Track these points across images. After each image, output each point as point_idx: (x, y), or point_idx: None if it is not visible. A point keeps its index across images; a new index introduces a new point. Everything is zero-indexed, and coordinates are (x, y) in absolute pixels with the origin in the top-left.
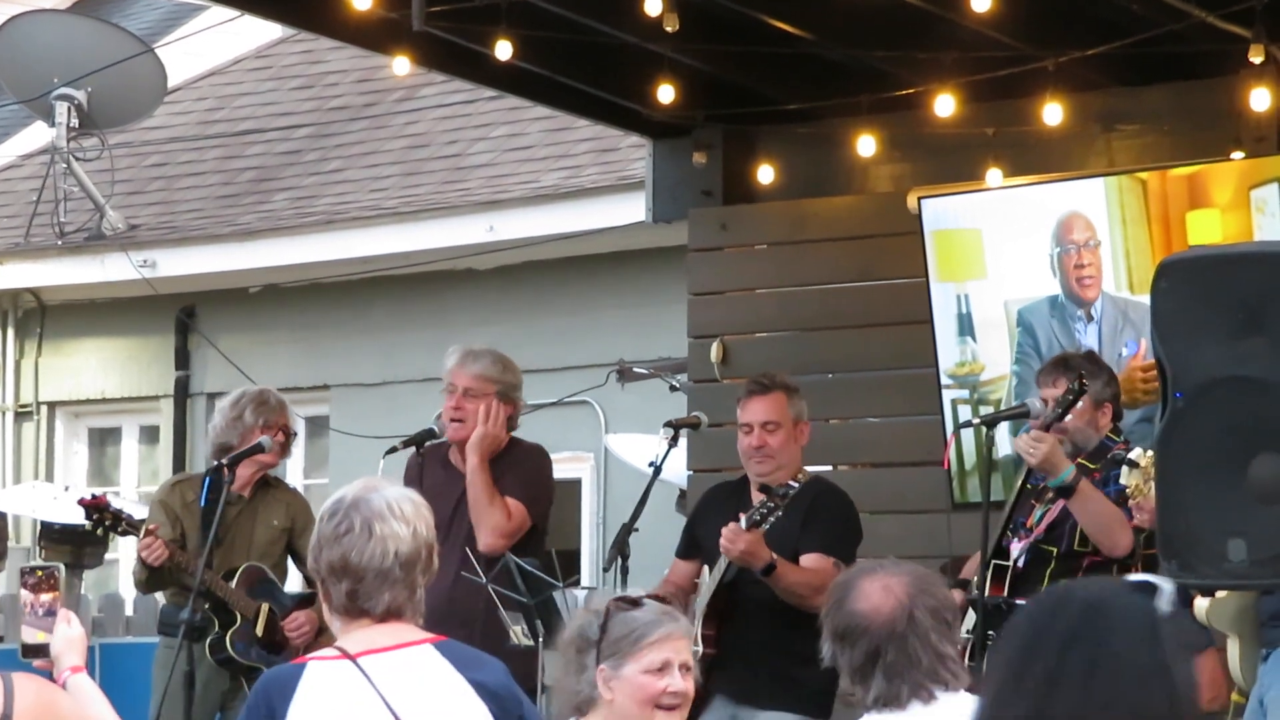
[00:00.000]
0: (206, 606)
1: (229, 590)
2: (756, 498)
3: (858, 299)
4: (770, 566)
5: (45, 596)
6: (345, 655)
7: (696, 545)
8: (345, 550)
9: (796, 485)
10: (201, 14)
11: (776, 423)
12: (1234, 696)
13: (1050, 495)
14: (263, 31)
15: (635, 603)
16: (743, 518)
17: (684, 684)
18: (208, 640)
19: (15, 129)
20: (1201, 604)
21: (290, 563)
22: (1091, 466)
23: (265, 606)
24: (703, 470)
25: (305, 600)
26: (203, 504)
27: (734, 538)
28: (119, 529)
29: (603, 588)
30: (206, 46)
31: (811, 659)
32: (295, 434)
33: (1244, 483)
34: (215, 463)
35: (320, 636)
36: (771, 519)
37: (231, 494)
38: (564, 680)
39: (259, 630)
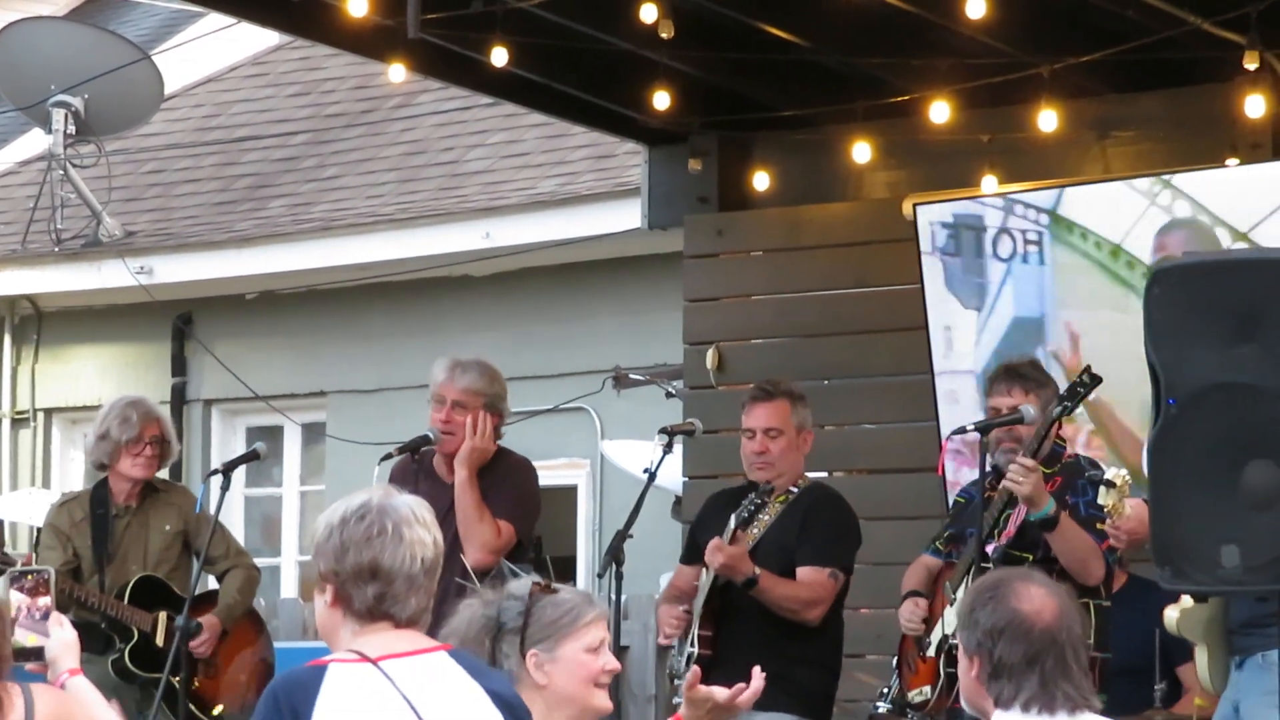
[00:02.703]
0: (104, 626)
1: (121, 608)
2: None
3: (853, 305)
4: (752, 581)
5: (42, 600)
6: (366, 659)
7: (699, 551)
8: (376, 553)
9: (797, 490)
10: (198, 21)
11: (779, 429)
12: (1197, 701)
13: (1010, 499)
14: (259, 39)
15: (552, 588)
16: (731, 519)
17: (616, 662)
18: (109, 659)
19: (12, 136)
20: (1171, 615)
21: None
22: (1048, 472)
23: (162, 615)
24: (698, 477)
25: (204, 600)
26: (197, 509)
27: (715, 551)
28: None
29: (597, 594)
30: (203, 53)
31: (808, 661)
32: (169, 442)
33: (1237, 489)
34: (213, 471)
35: (225, 638)
36: (762, 515)
37: (118, 506)
38: None
39: (159, 640)
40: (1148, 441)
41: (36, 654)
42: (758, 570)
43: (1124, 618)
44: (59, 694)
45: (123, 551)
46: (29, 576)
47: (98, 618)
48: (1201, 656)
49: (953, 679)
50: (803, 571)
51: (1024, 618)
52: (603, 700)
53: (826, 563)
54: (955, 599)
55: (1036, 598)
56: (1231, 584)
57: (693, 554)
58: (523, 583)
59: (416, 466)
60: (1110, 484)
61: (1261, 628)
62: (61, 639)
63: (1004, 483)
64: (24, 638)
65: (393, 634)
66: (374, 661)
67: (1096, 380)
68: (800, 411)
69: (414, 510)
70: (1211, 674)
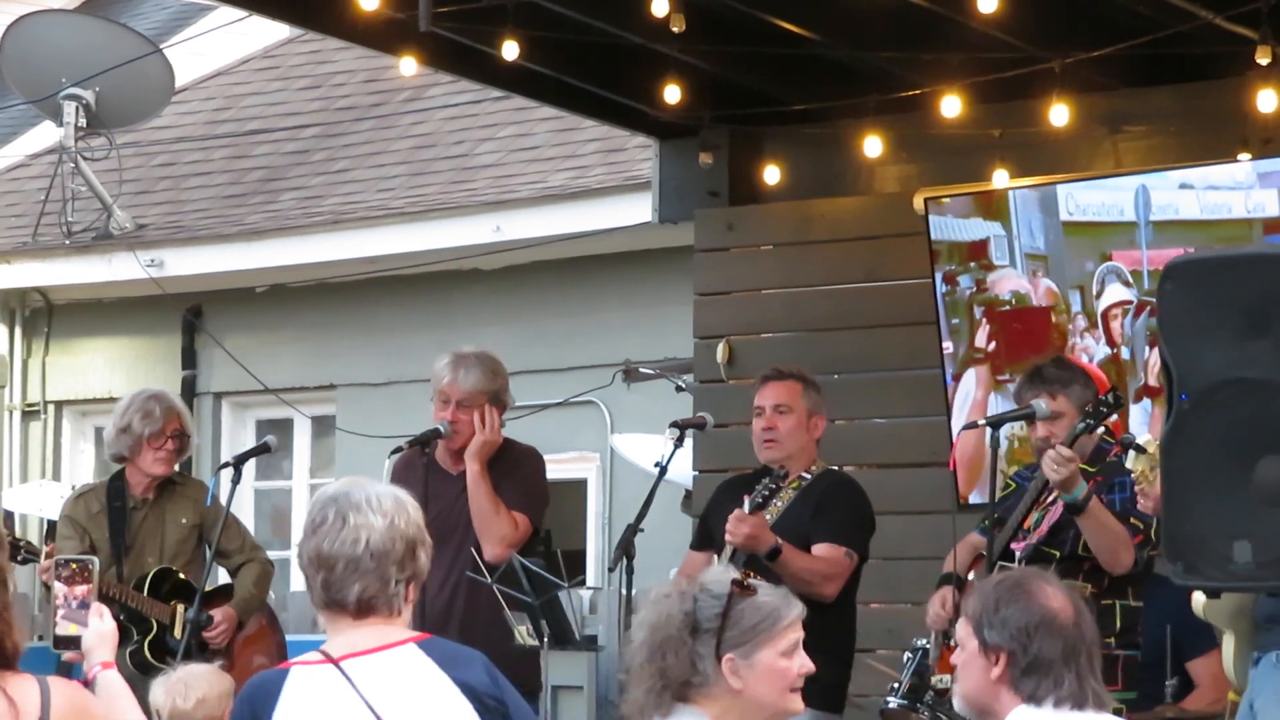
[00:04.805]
0: (121, 617)
1: (140, 599)
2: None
3: (864, 299)
4: (775, 551)
5: (80, 589)
6: (328, 659)
7: (710, 537)
8: (319, 541)
9: (810, 476)
10: (209, 14)
11: (788, 406)
12: (1230, 695)
13: (1050, 499)
14: (270, 32)
15: (751, 588)
16: (745, 501)
17: (810, 664)
18: (127, 649)
19: (23, 129)
20: (1199, 598)
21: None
22: (1091, 470)
23: (180, 607)
24: (709, 470)
25: (221, 594)
26: (208, 502)
27: (737, 522)
28: (18, 558)
29: (608, 588)
30: (214, 47)
31: (823, 649)
32: (189, 436)
33: (1249, 485)
34: (223, 464)
35: (241, 631)
36: (775, 501)
37: (135, 498)
38: (652, 664)
39: (178, 632)
40: (1160, 437)
41: (74, 643)
42: (780, 541)
43: None
44: (75, 687)
45: (139, 544)
46: (72, 565)
47: (116, 609)
48: (1228, 645)
49: None
50: (819, 548)
51: (1054, 614)
52: (796, 703)
53: (842, 541)
54: None
55: (1060, 596)
56: (1244, 580)
57: (703, 540)
58: (720, 579)
59: (425, 460)
60: (1141, 449)
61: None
62: (98, 630)
63: (1043, 466)
64: (64, 627)
65: (357, 629)
66: (335, 662)
67: (1119, 403)
68: (812, 395)
69: (372, 497)
70: (1236, 666)
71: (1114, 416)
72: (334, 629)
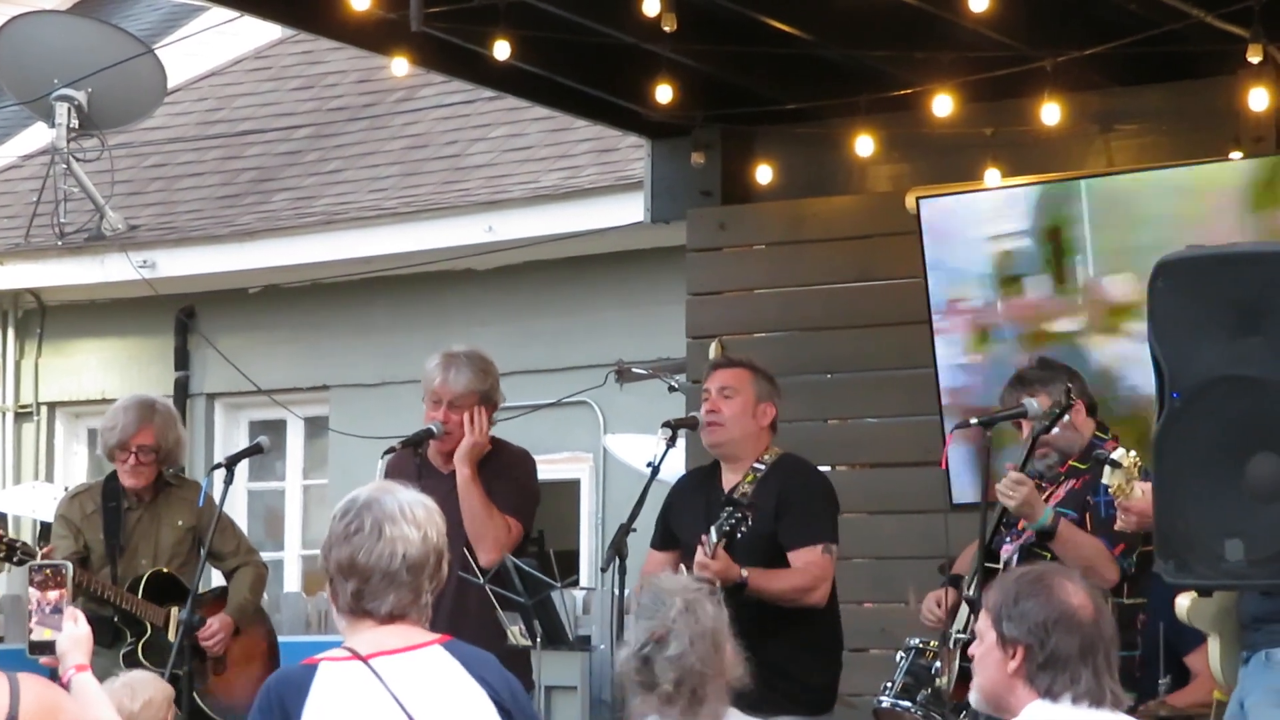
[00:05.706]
0: (116, 619)
1: (135, 601)
2: (728, 480)
3: (856, 299)
4: (741, 585)
5: (52, 594)
6: (357, 656)
7: (671, 536)
8: (354, 550)
9: (764, 466)
10: (201, 15)
11: (734, 389)
12: (1216, 694)
13: (1044, 497)
14: (262, 32)
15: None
16: (710, 535)
17: None
18: (121, 652)
19: (16, 130)
20: (1182, 603)
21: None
22: (1082, 468)
23: (174, 610)
24: None
25: (216, 597)
26: (200, 503)
27: (701, 568)
28: (14, 559)
29: (601, 588)
30: (206, 47)
31: (806, 654)
32: (163, 449)
33: (1241, 482)
34: (216, 465)
35: (236, 636)
36: (742, 529)
37: (130, 499)
38: (716, 659)
39: (172, 635)
40: (1152, 435)
41: (49, 648)
42: (745, 573)
43: None
44: (47, 685)
45: (134, 545)
46: (45, 570)
47: (109, 610)
48: (1214, 647)
49: (967, 672)
50: (795, 555)
51: (1074, 610)
52: None
53: (816, 539)
54: (972, 596)
55: (1078, 592)
56: (1236, 578)
57: (664, 540)
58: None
59: (418, 460)
60: (1116, 464)
61: (1269, 623)
62: (72, 634)
63: (997, 492)
64: (39, 632)
65: (381, 630)
66: (364, 659)
67: (1071, 404)
68: (761, 383)
69: (404, 507)
70: (1223, 665)
71: (1066, 416)
72: (356, 629)
